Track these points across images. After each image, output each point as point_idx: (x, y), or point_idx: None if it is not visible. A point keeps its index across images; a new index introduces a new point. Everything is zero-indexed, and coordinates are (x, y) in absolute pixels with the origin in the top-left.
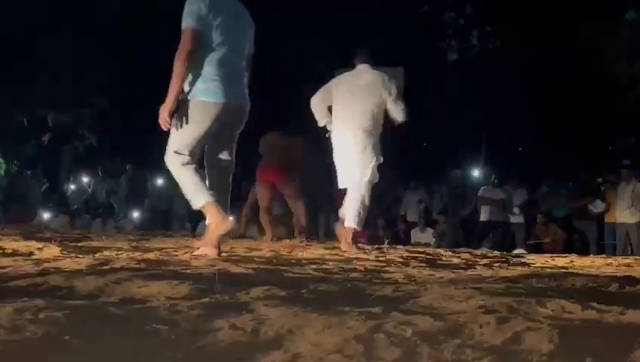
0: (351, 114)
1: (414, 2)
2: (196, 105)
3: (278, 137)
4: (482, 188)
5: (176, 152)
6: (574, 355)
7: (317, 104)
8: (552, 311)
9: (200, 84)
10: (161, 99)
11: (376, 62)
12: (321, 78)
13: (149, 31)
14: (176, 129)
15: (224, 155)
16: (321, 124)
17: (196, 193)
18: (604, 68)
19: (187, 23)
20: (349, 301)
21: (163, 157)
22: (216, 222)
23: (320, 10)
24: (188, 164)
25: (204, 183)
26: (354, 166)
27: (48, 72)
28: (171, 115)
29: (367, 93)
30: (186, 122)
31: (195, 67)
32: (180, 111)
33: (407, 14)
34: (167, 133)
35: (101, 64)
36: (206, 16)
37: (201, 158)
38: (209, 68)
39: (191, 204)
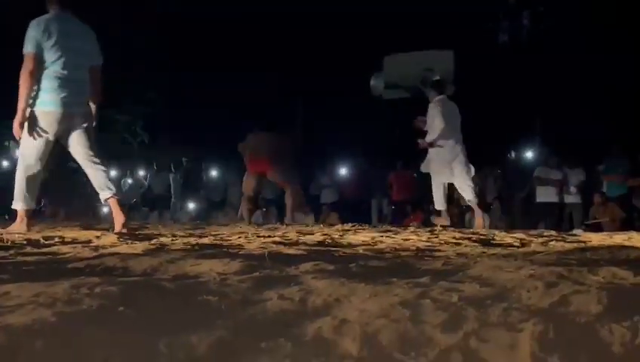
0: (457, 131)
1: None
2: (35, 114)
3: (265, 134)
4: (538, 168)
5: (22, 156)
6: (623, 315)
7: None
8: (602, 277)
9: (38, 97)
10: (212, 91)
11: (425, 47)
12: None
13: (200, 27)
14: (25, 137)
15: (87, 152)
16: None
17: (18, 197)
18: None
19: (26, 48)
20: (396, 273)
21: (217, 149)
22: (18, 224)
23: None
24: (28, 168)
25: (32, 191)
26: (464, 165)
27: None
28: (22, 126)
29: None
30: (29, 130)
31: (37, 83)
32: (27, 121)
33: None
34: (220, 126)
35: (154, 59)
36: (41, 39)
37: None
38: (45, 82)
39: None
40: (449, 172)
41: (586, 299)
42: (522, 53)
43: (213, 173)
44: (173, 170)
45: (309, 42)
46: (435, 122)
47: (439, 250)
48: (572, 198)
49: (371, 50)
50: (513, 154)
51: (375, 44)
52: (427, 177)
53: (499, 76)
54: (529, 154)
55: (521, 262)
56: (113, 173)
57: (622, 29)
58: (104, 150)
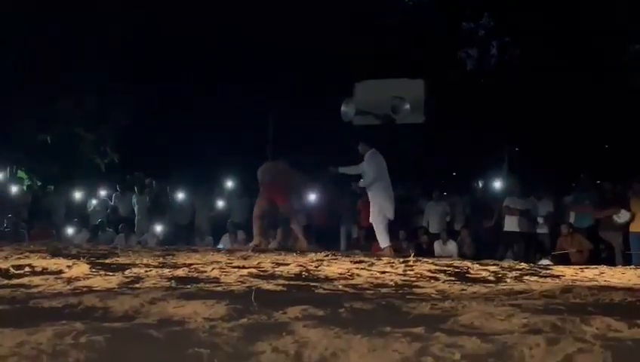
0: None
1: (432, 15)
2: None
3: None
4: (507, 198)
5: None
6: None
7: None
8: (597, 329)
9: None
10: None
11: (396, 75)
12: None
13: (171, 45)
14: None
15: None
16: None
17: None
18: (628, 79)
19: None
20: (388, 320)
21: (184, 171)
22: None
23: (334, 29)
24: None
25: None
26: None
27: (71, 90)
28: None
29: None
30: None
31: None
32: None
33: (425, 27)
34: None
35: (123, 79)
36: None
37: None
38: None
39: None
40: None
41: (591, 360)
42: (491, 82)
43: (180, 195)
44: (137, 191)
45: (281, 64)
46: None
47: (418, 286)
48: (540, 229)
49: (343, 75)
50: (481, 184)
51: (346, 68)
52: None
53: (468, 105)
54: (497, 184)
55: (510, 308)
56: (78, 194)
57: (587, 57)
58: (69, 170)
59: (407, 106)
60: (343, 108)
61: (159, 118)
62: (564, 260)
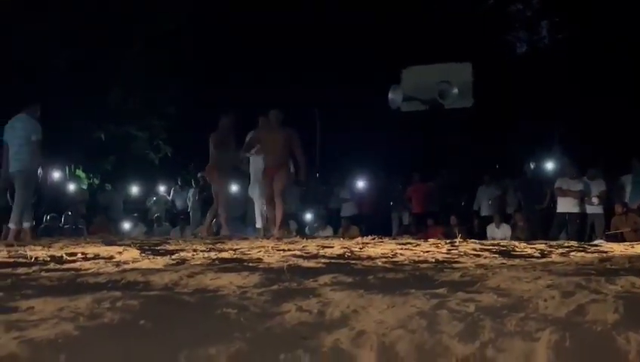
0: None
1: None
2: None
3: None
4: (559, 179)
5: None
6: None
7: None
8: (621, 286)
9: None
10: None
11: (443, 59)
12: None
13: (217, 41)
14: None
15: None
16: None
17: None
18: None
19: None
20: (414, 285)
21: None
22: None
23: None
24: None
25: None
26: None
27: (120, 85)
28: None
29: None
30: None
31: None
32: None
33: (473, 10)
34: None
35: (172, 73)
36: None
37: None
38: None
39: None
40: None
41: (603, 308)
42: (541, 64)
43: (232, 188)
44: (194, 184)
45: (326, 54)
46: None
47: (458, 262)
48: (593, 209)
49: (389, 62)
50: (533, 166)
51: (393, 56)
52: (446, 190)
53: (518, 87)
54: (549, 165)
55: (540, 273)
56: (135, 189)
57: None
58: (124, 166)
59: (455, 90)
60: (390, 95)
61: (210, 112)
62: (619, 240)
